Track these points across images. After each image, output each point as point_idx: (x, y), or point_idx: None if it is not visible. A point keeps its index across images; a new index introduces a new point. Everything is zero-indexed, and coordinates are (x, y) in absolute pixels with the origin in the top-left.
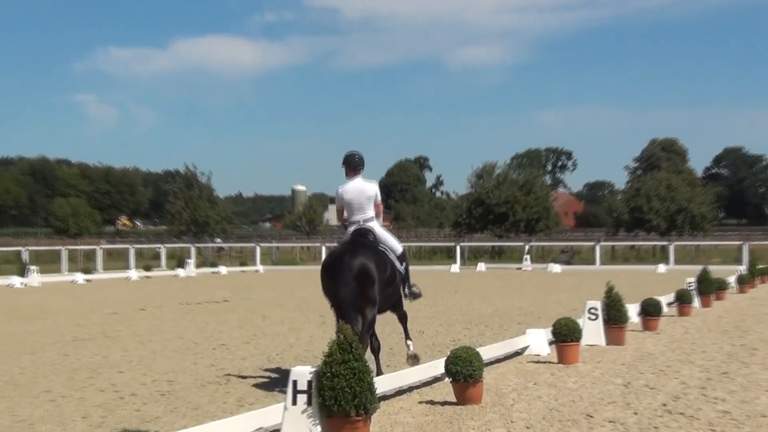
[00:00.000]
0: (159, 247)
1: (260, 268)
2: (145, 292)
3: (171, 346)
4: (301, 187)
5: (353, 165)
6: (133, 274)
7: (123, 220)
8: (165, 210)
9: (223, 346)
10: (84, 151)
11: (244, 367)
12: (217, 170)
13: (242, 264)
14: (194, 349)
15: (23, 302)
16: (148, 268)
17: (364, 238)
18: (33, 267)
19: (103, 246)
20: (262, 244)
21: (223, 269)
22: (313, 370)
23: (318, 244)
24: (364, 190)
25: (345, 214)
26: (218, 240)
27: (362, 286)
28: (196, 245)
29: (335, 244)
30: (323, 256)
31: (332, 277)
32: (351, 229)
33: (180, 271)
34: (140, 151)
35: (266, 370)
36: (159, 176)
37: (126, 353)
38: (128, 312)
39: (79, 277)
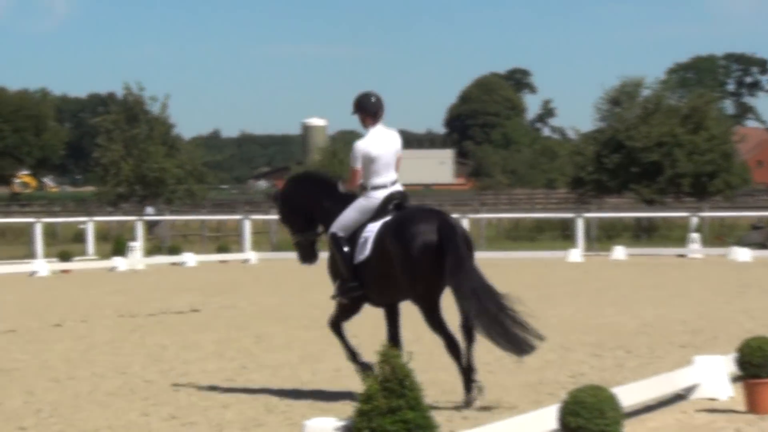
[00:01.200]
0: (84, 222)
1: (251, 255)
2: (61, 296)
3: (105, 386)
4: (317, 122)
5: (372, 110)
6: (42, 266)
7: (23, 177)
8: (92, 160)
9: (190, 385)
10: None
11: (227, 421)
12: (179, 95)
13: (221, 249)
14: (144, 391)
15: None
16: (66, 257)
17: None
18: None
19: None
20: (253, 217)
21: (189, 258)
22: (340, 424)
23: None
24: (392, 141)
25: (363, 175)
26: (149, 210)
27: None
28: (145, 218)
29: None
30: None
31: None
32: (379, 194)
33: (118, 261)
34: (50, 62)
35: (261, 426)
36: (82, 104)
37: (31, 398)
38: (33, 329)
39: None
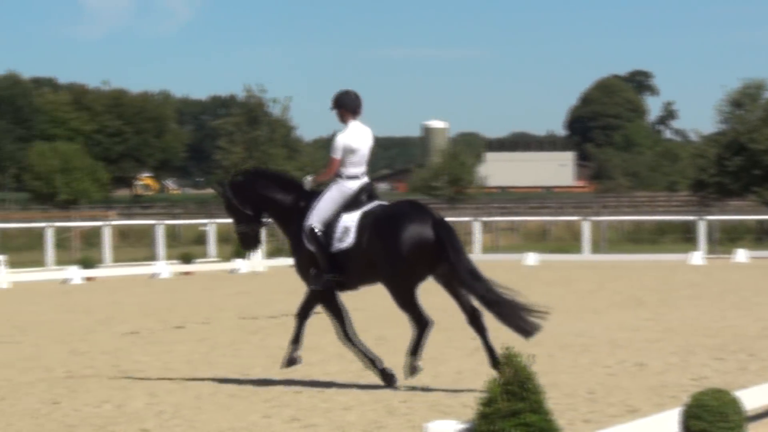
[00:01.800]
0: (205, 225)
1: None
2: (182, 298)
3: (226, 388)
4: (438, 124)
5: (352, 106)
6: (163, 268)
7: (145, 180)
8: (213, 162)
9: (312, 387)
10: (78, 65)
11: (348, 423)
12: (301, 97)
13: None
14: (265, 393)
15: None
16: (187, 259)
17: (415, 203)
18: None
19: (114, 222)
20: None
21: None
22: (461, 427)
23: (468, 218)
24: (368, 137)
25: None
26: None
27: None
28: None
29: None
30: (475, 235)
31: (448, 240)
32: (352, 186)
33: (240, 264)
34: (172, 65)
35: (382, 428)
36: (203, 106)
37: (153, 399)
38: (155, 331)
39: (75, 274)
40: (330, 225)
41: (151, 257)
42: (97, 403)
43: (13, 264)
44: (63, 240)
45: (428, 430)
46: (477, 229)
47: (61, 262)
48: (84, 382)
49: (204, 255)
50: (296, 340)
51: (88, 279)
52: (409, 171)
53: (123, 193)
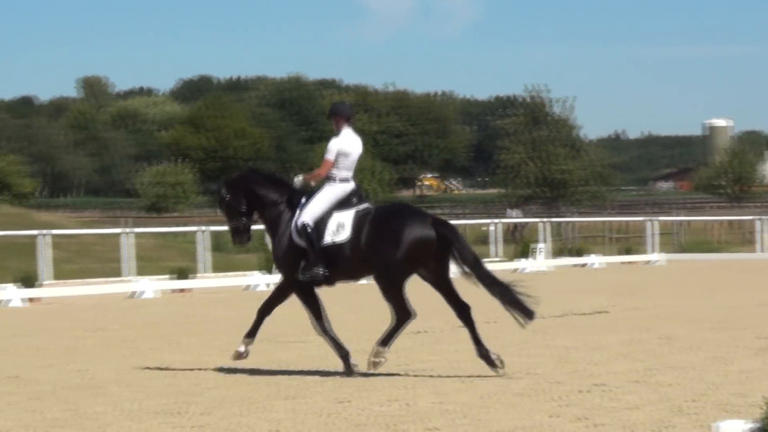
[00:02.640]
0: (489, 224)
1: (657, 257)
2: (467, 299)
3: (513, 387)
4: (721, 122)
5: (346, 114)
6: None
7: (429, 180)
8: (495, 163)
9: (598, 386)
10: (362, 67)
11: (636, 423)
12: (584, 96)
13: (626, 251)
14: (551, 391)
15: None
16: None
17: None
18: None
19: None
20: (659, 218)
21: (594, 259)
22: (750, 426)
23: (751, 217)
24: (359, 144)
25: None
26: (512, 212)
27: None
28: (549, 220)
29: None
30: (758, 233)
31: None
32: (345, 188)
33: (524, 263)
34: (454, 66)
35: (670, 428)
36: (487, 106)
37: (440, 398)
38: (443, 330)
39: None
40: (321, 222)
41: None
42: (385, 401)
43: None
44: None
45: (718, 429)
46: (760, 227)
47: None
48: (372, 381)
49: (488, 255)
50: (252, 333)
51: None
52: (691, 170)
53: (407, 193)
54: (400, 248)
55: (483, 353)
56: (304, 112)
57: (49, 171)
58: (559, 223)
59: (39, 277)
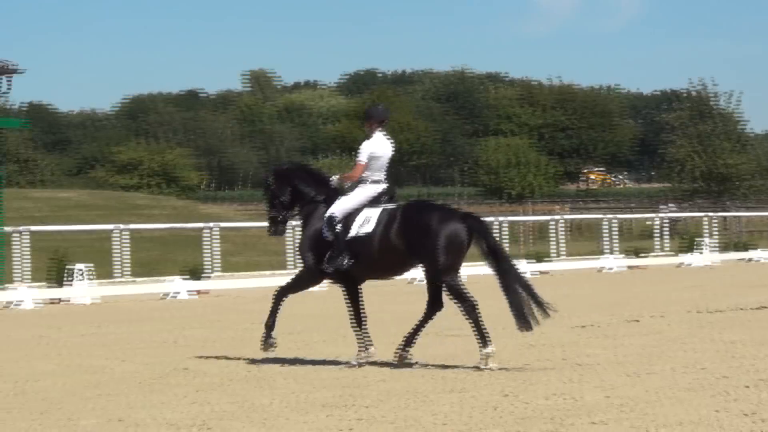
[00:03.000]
0: (654, 219)
1: None
2: (632, 292)
3: (680, 381)
4: None
5: (380, 117)
6: (613, 261)
7: (594, 174)
8: (660, 156)
9: (765, 381)
10: (527, 61)
11: None
12: (752, 90)
13: None
14: (717, 386)
15: None
16: (637, 253)
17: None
18: None
19: (564, 216)
20: None
21: (761, 254)
22: None
23: None
24: (390, 147)
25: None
26: (665, 207)
27: None
28: (715, 214)
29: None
30: None
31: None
32: (376, 188)
33: (689, 258)
34: (619, 60)
35: None
36: (652, 101)
37: (606, 392)
38: (609, 324)
39: (526, 267)
40: (349, 217)
41: (600, 251)
42: (551, 395)
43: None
44: (514, 234)
45: None
46: None
47: (511, 255)
48: (538, 375)
49: (652, 249)
50: (272, 322)
51: (541, 273)
52: None
53: (572, 187)
54: (436, 239)
55: (405, 349)
56: (469, 105)
57: (216, 164)
58: (725, 217)
59: (205, 270)
